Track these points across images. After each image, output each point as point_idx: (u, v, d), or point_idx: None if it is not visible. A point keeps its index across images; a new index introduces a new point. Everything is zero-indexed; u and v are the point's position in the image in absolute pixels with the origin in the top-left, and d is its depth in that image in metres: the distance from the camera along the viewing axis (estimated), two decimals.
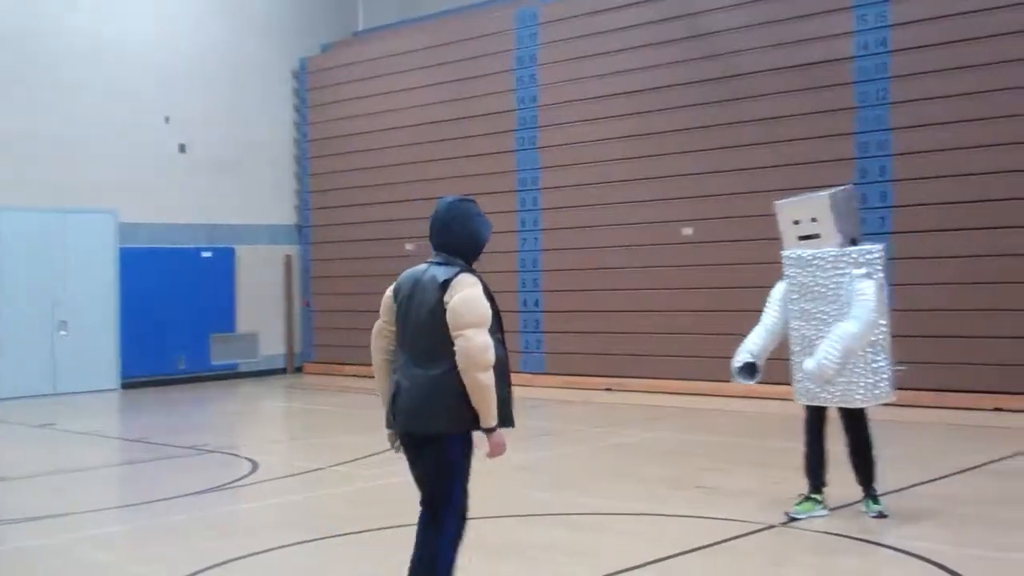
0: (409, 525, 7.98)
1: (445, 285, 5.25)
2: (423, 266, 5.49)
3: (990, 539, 7.26)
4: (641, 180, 16.62)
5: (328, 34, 22.39)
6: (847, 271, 7.65)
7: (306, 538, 7.79)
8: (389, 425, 5.57)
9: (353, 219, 20.75)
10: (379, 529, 7.95)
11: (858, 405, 7.76)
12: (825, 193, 7.85)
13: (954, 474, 9.52)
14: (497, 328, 5.33)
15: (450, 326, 5.17)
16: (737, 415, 13.21)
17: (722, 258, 15.22)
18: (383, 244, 20.09)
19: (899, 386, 13.84)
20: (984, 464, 9.94)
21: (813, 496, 7.91)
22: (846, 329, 7.43)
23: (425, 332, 5.29)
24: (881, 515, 7.73)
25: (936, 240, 13.95)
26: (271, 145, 21.54)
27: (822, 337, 7.62)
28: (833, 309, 7.67)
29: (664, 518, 8.15)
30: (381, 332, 5.69)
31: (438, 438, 5.29)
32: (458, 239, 5.44)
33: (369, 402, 16.46)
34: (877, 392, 7.75)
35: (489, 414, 5.19)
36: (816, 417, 8.00)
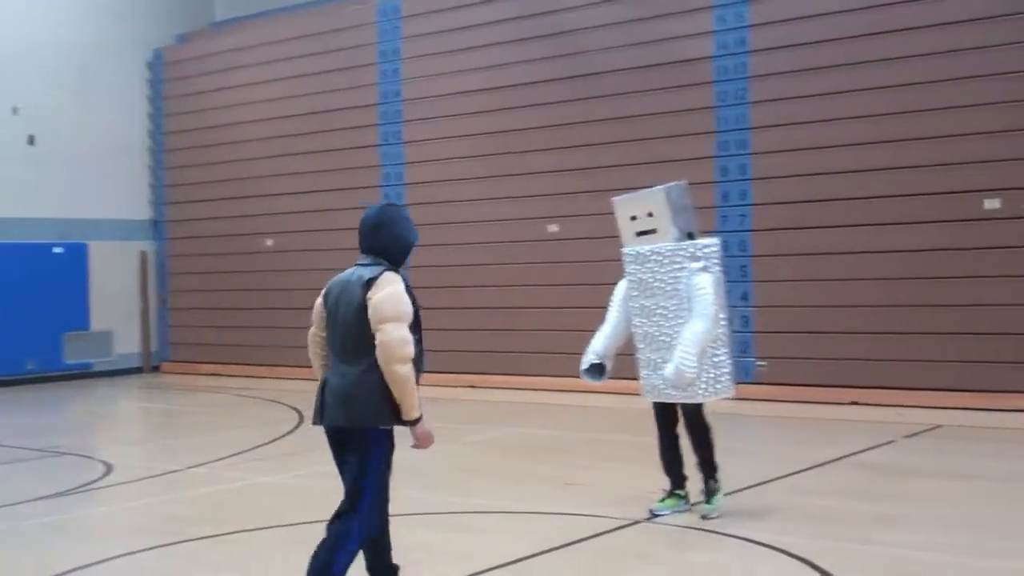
0: (265, 528, 7.86)
1: (370, 284, 5.42)
2: (351, 269, 5.64)
3: (848, 532, 7.36)
4: (506, 176, 16.59)
5: (184, 24, 21.85)
6: (684, 265, 7.59)
7: (161, 543, 7.55)
8: (316, 422, 5.68)
9: (211, 214, 20.32)
10: (236, 532, 7.76)
11: (700, 400, 7.70)
12: (660, 188, 7.82)
13: (813, 467, 9.67)
14: (416, 328, 5.48)
15: (371, 321, 5.34)
16: (603, 411, 13.26)
17: (586, 255, 15.26)
18: (242, 240, 19.74)
19: (759, 381, 14.24)
20: (842, 457, 10.11)
21: (676, 492, 7.92)
22: (695, 329, 7.42)
23: (352, 330, 5.44)
24: (706, 517, 7.66)
25: (794, 237, 14.18)
26: (125, 137, 20.95)
27: (664, 333, 7.63)
28: (673, 304, 7.63)
29: (529, 515, 8.10)
30: (314, 340, 5.82)
31: (361, 432, 5.47)
32: (385, 242, 5.62)
33: (228, 401, 16.23)
34: (718, 387, 7.70)
35: (410, 406, 5.38)
36: (663, 413, 7.95)
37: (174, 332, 21.12)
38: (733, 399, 13.85)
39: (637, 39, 15.50)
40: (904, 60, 13.48)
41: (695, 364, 7.37)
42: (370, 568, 5.84)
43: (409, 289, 5.48)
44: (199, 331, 20.44)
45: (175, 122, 21.02)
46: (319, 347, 5.78)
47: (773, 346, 14.33)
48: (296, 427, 13.08)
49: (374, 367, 5.35)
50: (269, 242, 19.42)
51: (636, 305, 7.84)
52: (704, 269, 7.58)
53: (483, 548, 7.14)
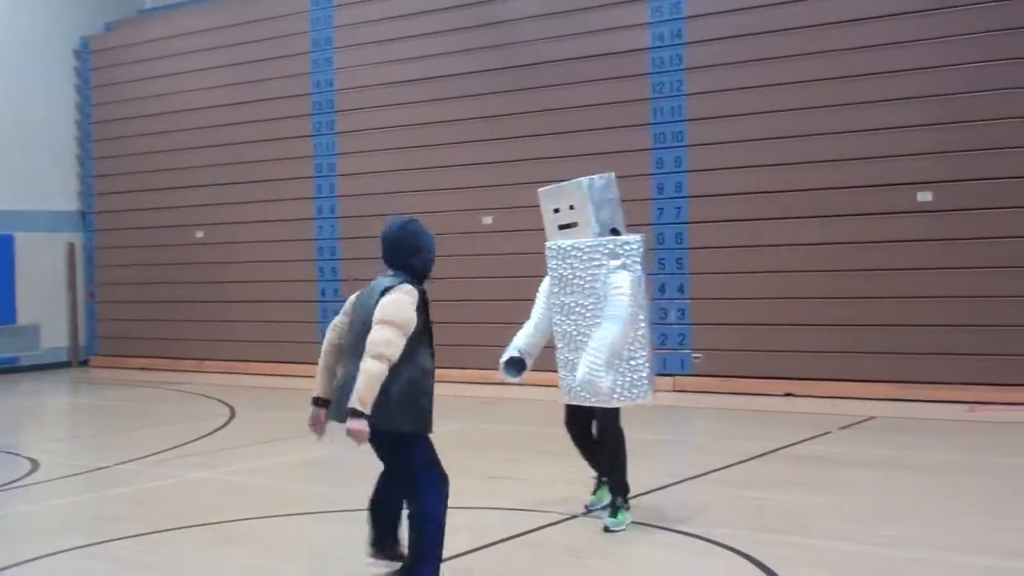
0: (197, 526, 7.71)
1: (385, 292, 5.69)
2: (376, 279, 5.93)
3: (784, 524, 7.34)
4: (440, 168, 16.47)
5: (112, 12, 21.47)
6: (603, 263, 7.20)
7: (88, 542, 7.36)
8: (319, 404, 6.03)
9: (140, 205, 20.01)
10: (166, 531, 7.59)
11: (613, 405, 7.28)
12: (583, 180, 7.41)
13: (748, 459, 9.66)
14: (428, 343, 5.79)
15: (373, 321, 5.56)
16: (542, 404, 13.18)
17: (520, 247, 15.18)
18: (173, 231, 19.47)
19: (695, 373, 14.25)
20: (778, 449, 10.11)
21: (605, 480, 7.72)
22: (604, 336, 7.05)
23: (362, 335, 5.62)
24: (607, 530, 7.20)
25: (730, 230, 14.20)
26: (52, 127, 20.58)
27: (582, 332, 7.23)
28: (591, 303, 7.22)
29: (465, 511, 7.99)
30: (334, 326, 6.12)
31: (400, 436, 5.77)
32: (406, 259, 5.89)
33: (158, 396, 15.98)
34: (634, 391, 7.25)
35: (365, 399, 5.44)
36: (574, 415, 7.63)
37: (103, 325, 20.80)
38: (670, 391, 14.07)
39: (573, 30, 15.46)
40: (839, 53, 13.54)
41: (604, 370, 7.01)
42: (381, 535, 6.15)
43: (425, 304, 5.72)
44: (128, 324, 20.15)
45: (103, 111, 20.68)
46: (336, 333, 6.05)
47: (709, 338, 14.35)
48: (227, 422, 12.90)
49: (395, 373, 5.55)
50: (200, 234, 19.16)
51: (556, 302, 7.48)
52: (623, 267, 7.23)
53: None
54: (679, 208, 14.52)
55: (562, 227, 7.50)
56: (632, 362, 7.22)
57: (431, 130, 16.62)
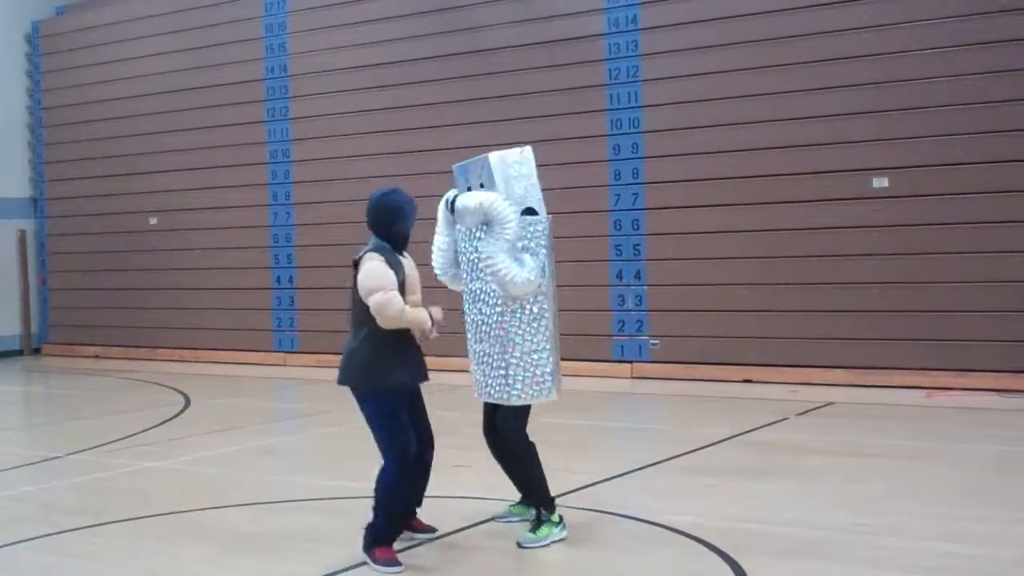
0: (151, 516, 7.61)
1: (356, 264, 6.35)
2: None
3: (743, 511, 7.33)
4: (396, 154, 16.37)
5: None
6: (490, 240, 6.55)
7: (40, 533, 7.24)
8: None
9: (93, 192, 19.77)
10: (120, 522, 7.49)
11: (516, 402, 6.61)
12: (492, 155, 6.71)
13: (707, 446, 9.65)
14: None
15: (362, 298, 6.23)
16: None
17: None
18: (125, 218, 19.27)
19: (652, 359, 14.25)
20: (736, 435, 10.12)
21: (526, 500, 7.03)
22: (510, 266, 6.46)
23: (352, 303, 6.39)
24: (520, 546, 6.51)
25: (685, 216, 14.20)
26: (2, 113, 20.31)
27: (487, 323, 6.67)
28: (494, 289, 6.59)
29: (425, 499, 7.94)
30: None
31: (360, 395, 6.36)
32: (380, 228, 6.48)
33: (111, 384, 15.80)
34: (537, 388, 6.61)
35: (418, 323, 6.40)
36: (491, 421, 6.92)
37: (55, 313, 20.57)
38: (628, 378, 14.07)
39: (529, 15, 15.39)
40: (795, 39, 13.56)
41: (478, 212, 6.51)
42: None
43: (392, 262, 6.31)
44: (81, 312, 19.94)
45: (55, 97, 20.42)
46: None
47: (666, 324, 14.35)
48: (181, 411, 12.77)
49: (367, 337, 6.28)
50: (153, 220, 18.97)
51: (467, 289, 6.89)
52: (525, 250, 6.54)
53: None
54: (636, 194, 14.50)
55: None
56: (535, 355, 6.60)
57: (385, 116, 16.51)
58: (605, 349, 14.60)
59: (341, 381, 6.39)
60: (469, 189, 6.81)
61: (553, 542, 6.54)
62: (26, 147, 20.80)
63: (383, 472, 6.29)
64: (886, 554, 6.30)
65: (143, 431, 11.25)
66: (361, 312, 6.29)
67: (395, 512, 6.30)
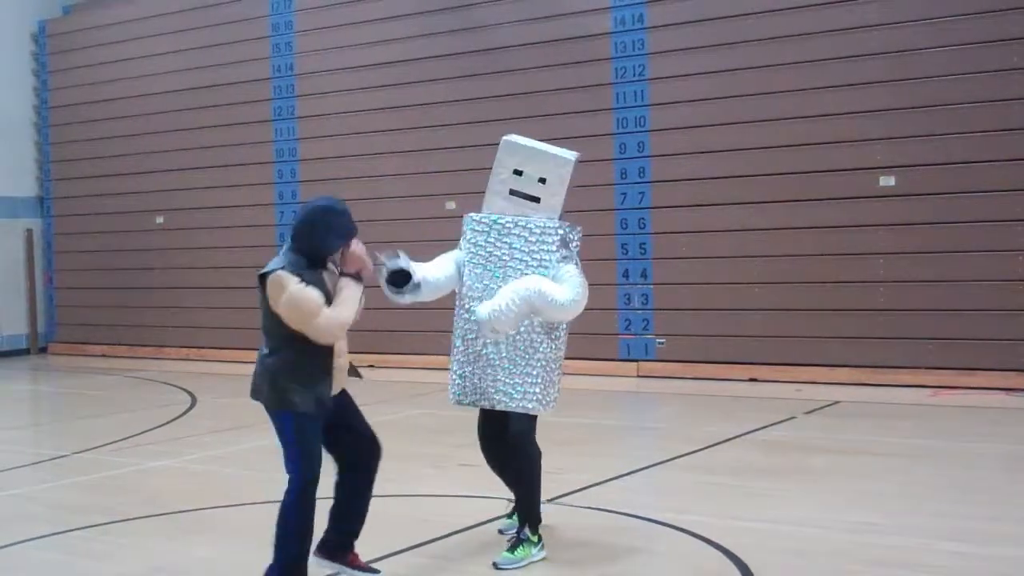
0: (157, 515, 7.63)
1: (263, 279, 5.52)
2: None
3: (750, 510, 7.33)
4: (403, 153, 16.38)
5: None
6: (551, 249, 6.27)
7: (48, 531, 7.27)
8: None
9: (99, 191, 19.79)
10: (126, 520, 7.51)
11: (533, 411, 6.31)
12: (570, 156, 6.38)
13: (713, 445, 9.65)
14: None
15: (294, 326, 5.45)
16: None
17: None
18: (132, 217, 19.28)
19: (659, 358, 14.25)
20: (743, 434, 10.11)
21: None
22: (547, 287, 6.09)
23: (262, 315, 5.59)
24: (496, 567, 6.16)
25: (692, 215, 14.19)
26: (10, 112, 20.31)
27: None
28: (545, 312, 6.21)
29: (425, 499, 7.96)
30: None
31: (272, 413, 5.62)
32: (301, 241, 5.61)
33: (117, 383, 15.83)
34: (549, 398, 6.36)
35: (354, 298, 5.60)
36: (488, 421, 6.58)
37: (62, 312, 20.60)
38: (634, 377, 14.07)
39: (536, 14, 15.38)
40: (802, 37, 13.54)
41: (515, 315, 6.05)
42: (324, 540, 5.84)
43: (314, 277, 5.51)
44: (87, 311, 19.96)
45: (61, 96, 20.44)
46: None
47: (673, 324, 14.35)
48: (187, 410, 12.79)
49: (275, 351, 5.55)
50: (159, 220, 18.99)
51: (475, 285, 6.47)
52: (567, 259, 6.29)
53: (376, 533, 6.80)
54: (642, 193, 14.50)
55: (516, 193, 6.43)
56: (554, 364, 6.36)
57: (392, 115, 16.52)
58: (611, 348, 14.60)
59: (253, 396, 5.71)
60: (518, 173, 6.39)
61: (531, 563, 6.20)
62: (33, 146, 20.83)
63: (283, 500, 5.58)
64: (893, 553, 6.30)
65: (150, 430, 11.27)
66: (273, 327, 5.51)
67: (292, 562, 5.52)
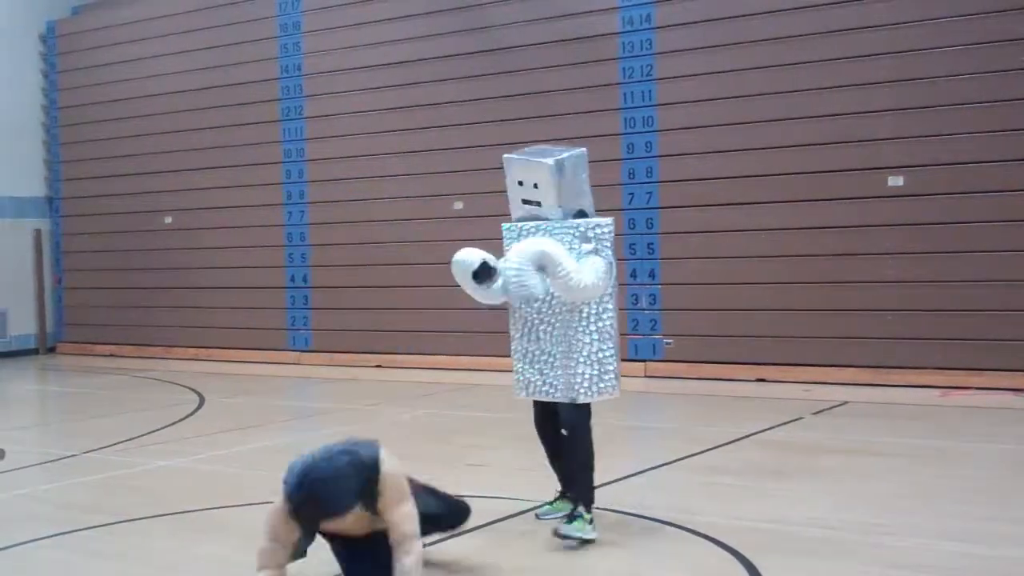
0: (165, 515, 7.63)
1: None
2: None
3: (758, 511, 7.31)
4: (411, 153, 16.38)
5: None
6: (572, 246, 6.70)
7: (56, 531, 7.27)
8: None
9: (108, 191, 19.82)
10: (134, 520, 7.51)
11: (581, 400, 6.73)
12: (550, 160, 6.82)
13: (722, 445, 9.63)
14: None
15: None
16: (509, 391, 13.15)
17: (490, 233, 15.07)
18: (140, 217, 19.31)
19: (667, 359, 14.23)
20: (751, 435, 10.09)
21: (568, 494, 7.05)
22: (553, 250, 6.56)
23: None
24: (557, 533, 6.57)
25: (700, 215, 14.18)
26: (18, 113, 20.33)
27: (545, 321, 6.75)
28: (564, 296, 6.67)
29: None
30: None
31: None
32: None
33: (126, 383, 15.84)
34: (602, 386, 6.75)
35: None
36: (543, 413, 7.01)
37: (70, 312, 20.62)
38: (642, 377, 14.05)
39: (543, 14, 15.38)
40: (810, 37, 13.52)
41: (530, 274, 6.55)
42: None
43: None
44: (96, 311, 19.99)
45: (70, 97, 20.47)
46: None
47: (680, 324, 14.33)
48: (196, 409, 12.80)
49: None
50: (168, 219, 19.01)
51: None
52: (595, 252, 6.70)
53: None
54: (650, 193, 14.48)
55: (526, 201, 7.01)
56: (600, 354, 6.72)
57: (400, 115, 16.52)
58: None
59: None
60: (520, 184, 7.01)
61: (584, 540, 6.54)
62: (41, 147, 20.85)
63: None
64: (902, 554, 6.29)
65: (158, 430, 11.28)
66: None
67: None
